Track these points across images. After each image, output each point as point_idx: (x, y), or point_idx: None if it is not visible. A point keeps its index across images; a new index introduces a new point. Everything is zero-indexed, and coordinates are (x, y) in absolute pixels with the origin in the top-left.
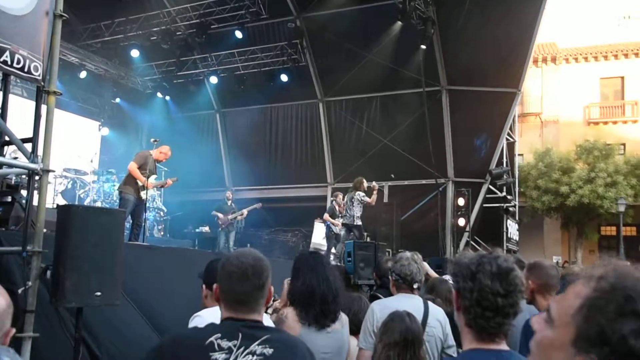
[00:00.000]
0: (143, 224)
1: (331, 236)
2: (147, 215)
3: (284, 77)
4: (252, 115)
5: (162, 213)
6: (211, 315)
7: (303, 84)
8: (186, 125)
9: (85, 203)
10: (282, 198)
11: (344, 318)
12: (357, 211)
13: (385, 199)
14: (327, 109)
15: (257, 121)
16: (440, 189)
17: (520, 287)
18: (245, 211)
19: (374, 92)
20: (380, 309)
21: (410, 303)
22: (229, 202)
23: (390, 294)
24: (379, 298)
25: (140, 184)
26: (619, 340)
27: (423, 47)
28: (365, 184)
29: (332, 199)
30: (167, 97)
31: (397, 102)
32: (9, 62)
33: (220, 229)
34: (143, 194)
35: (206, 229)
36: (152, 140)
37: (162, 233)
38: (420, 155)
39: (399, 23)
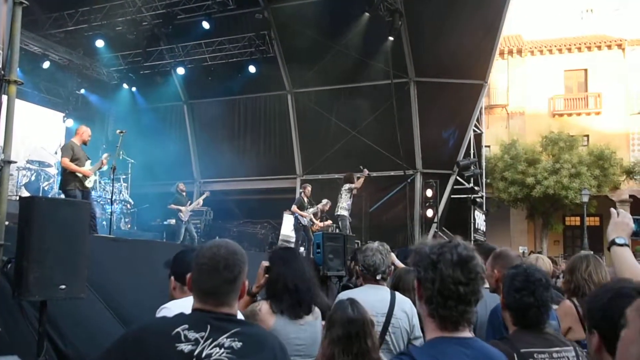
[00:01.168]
0: (96, 214)
1: (299, 228)
2: (113, 207)
3: (252, 69)
4: (220, 106)
5: (128, 205)
6: (179, 307)
7: (271, 76)
8: (153, 117)
9: (50, 196)
10: (251, 190)
11: (317, 311)
12: (344, 202)
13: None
14: (295, 100)
15: (225, 113)
16: (409, 180)
17: (482, 274)
18: (201, 200)
19: (342, 84)
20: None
21: (376, 294)
22: (184, 194)
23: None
24: (350, 287)
25: (79, 175)
26: None
27: (391, 38)
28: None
29: (300, 190)
30: (134, 88)
31: (365, 94)
32: None
33: (182, 222)
34: (87, 183)
35: (173, 221)
36: (117, 131)
37: (129, 226)
38: (389, 146)
39: (367, 15)
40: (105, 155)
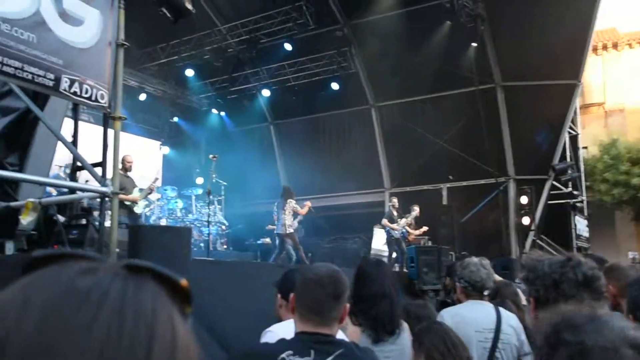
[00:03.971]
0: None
1: (392, 241)
2: (210, 229)
3: (334, 86)
4: (305, 125)
5: (223, 227)
6: (283, 329)
7: (354, 91)
8: (241, 139)
9: (152, 221)
10: (340, 205)
11: (404, 325)
12: (289, 220)
13: (444, 201)
14: (379, 114)
15: (310, 130)
16: (501, 187)
17: (605, 293)
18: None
19: (426, 94)
20: (451, 316)
21: (482, 310)
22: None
23: None
24: (448, 303)
25: (128, 203)
26: None
27: (474, 44)
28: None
29: (389, 204)
30: (222, 113)
31: (450, 103)
32: (79, 92)
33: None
34: (136, 209)
35: (267, 240)
36: (210, 156)
37: (225, 246)
38: (478, 154)
39: (448, 23)
40: (154, 180)
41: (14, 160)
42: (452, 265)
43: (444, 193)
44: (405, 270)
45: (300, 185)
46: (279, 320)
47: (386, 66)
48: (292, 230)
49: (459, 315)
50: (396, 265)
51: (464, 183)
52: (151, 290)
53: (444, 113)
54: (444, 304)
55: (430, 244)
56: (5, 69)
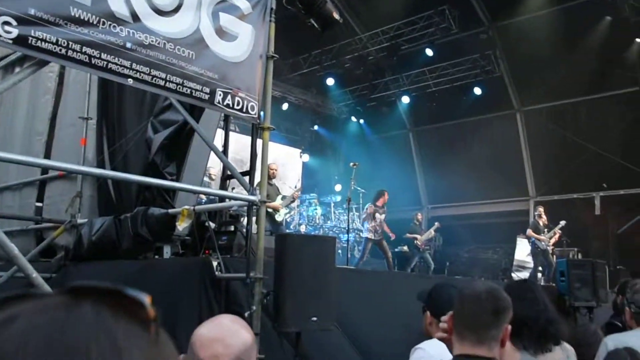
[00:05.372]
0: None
1: (537, 253)
2: (348, 236)
3: (477, 90)
4: (445, 131)
5: (360, 234)
6: (434, 348)
7: (498, 95)
8: (380, 146)
9: (292, 227)
10: (480, 214)
11: (569, 349)
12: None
13: (597, 211)
14: (525, 118)
15: (451, 137)
16: None
17: None
18: (432, 231)
19: (578, 97)
20: (615, 345)
21: None
22: (418, 224)
23: None
24: (617, 326)
25: (270, 210)
26: None
27: (638, 40)
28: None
29: (535, 213)
30: (361, 121)
31: (606, 105)
32: (231, 105)
33: (417, 250)
34: (277, 217)
35: (405, 248)
36: (351, 164)
37: None
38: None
39: (608, 18)
40: (297, 188)
41: (172, 170)
42: (625, 283)
43: (597, 202)
44: (552, 284)
45: (440, 193)
46: (428, 337)
47: (534, 68)
48: (370, 236)
49: (624, 345)
50: (541, 278)
51: (621, 192)
52: (88, 320)
53: (601, 116)
54: (611, 327)
55: (579, 256)
56: (168, 85)
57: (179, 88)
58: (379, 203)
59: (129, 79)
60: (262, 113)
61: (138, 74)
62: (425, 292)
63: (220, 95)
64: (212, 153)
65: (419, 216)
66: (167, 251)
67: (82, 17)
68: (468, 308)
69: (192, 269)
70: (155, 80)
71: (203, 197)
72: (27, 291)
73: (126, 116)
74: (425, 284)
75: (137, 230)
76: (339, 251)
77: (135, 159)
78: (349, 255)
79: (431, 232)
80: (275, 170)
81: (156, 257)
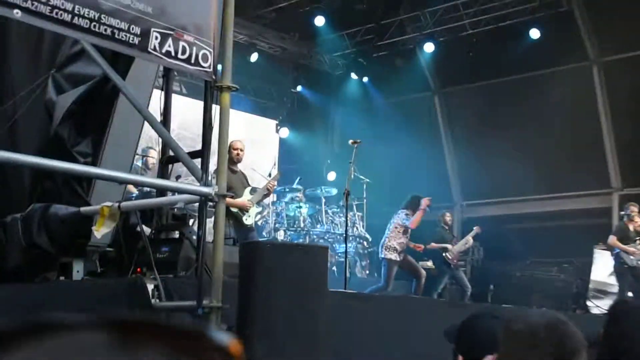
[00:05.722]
0: None
1: (624, 271)
2: (347, 246)
3: (534, 33)
4: (485, 94)
5: (365, 243)
6: None
7: (565, 41)
8: (392, 116)
9: (265, 233)
10: (537, 214)
11: None
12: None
13: None
14: (605, 72)
15: (493, 103)
16: None
17: None
18: (470, 238)
19: None
20: None
21: None
22: (447, 229)
23: None
24: None
25: (234, 210)
26: None
27: None
28: None
29: (622, 212)
30: (365, 79)
31: None
32: (172, 53)
33: (448, 267)
34: (245, 220)
35: (428, 263)
36: (350, 141)
37: (367, 271)
38: None
39: None
40: (272, 177)
41: (85, 149)
42: None
43: None
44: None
45: (479, 184)
46: None
47: (617, 4)
48: (395, 257)
49: None
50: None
51: None
52: None
53: None
54: None
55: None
56: (77, 20)
57: (94, 26)
58: (411, 213)
59: (16, 10)
60: (219, 66)
61: (30, 3)
62: (456, 326)
63: (156, 38)
64: (146, 124)
65: (448, 217)
66: (78, 269)
67: None
68: (518, 350)
69: (116, 295)
70: (57, 14)
71: (133, 189)
72: (48, 319)
73: (13, 68)
74: (457, 315)
75: (31, 239)
76: (334, 268)
77: (29, 130)
78: (348, 274)
79: (468, 241)
80: (241, 150)
81: (61, 278)
